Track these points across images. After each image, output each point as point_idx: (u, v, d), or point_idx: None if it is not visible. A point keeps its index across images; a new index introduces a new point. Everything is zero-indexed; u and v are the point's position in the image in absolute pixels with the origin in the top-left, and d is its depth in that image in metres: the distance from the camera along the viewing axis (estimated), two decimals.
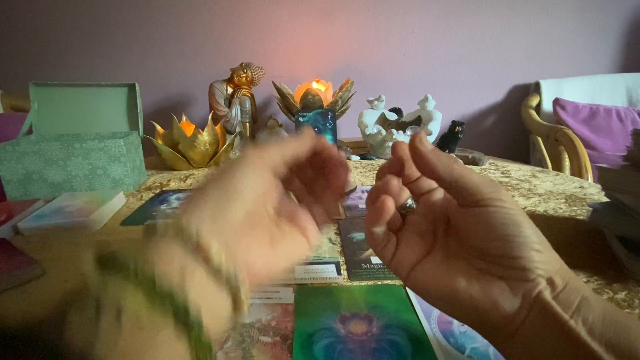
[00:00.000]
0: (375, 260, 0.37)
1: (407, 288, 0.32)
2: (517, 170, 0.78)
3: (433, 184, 0.24)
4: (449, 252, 0.22)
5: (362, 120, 0.95)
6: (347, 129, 1.31)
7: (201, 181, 0.20)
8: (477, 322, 0.20)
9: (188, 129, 0.81)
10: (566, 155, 1.03)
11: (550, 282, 0.19)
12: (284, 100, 1.03)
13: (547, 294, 0.18)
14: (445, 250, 0.22)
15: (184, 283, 0.15)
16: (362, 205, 0.55)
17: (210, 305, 0.16)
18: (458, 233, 0.22)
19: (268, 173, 0.21)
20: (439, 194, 0.24)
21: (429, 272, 0.21)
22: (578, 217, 0.49)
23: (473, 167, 0.83)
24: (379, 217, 0.22)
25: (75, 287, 0.15)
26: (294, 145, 0.23)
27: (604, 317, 0.17)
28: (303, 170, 0.25)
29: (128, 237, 0.45)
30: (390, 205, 0.22)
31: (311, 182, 0.26)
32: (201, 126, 0.82)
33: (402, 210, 0.24)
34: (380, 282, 0.33)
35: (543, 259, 0.19)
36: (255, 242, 0.19)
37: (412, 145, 0.22)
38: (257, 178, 0.20)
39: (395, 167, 0.24)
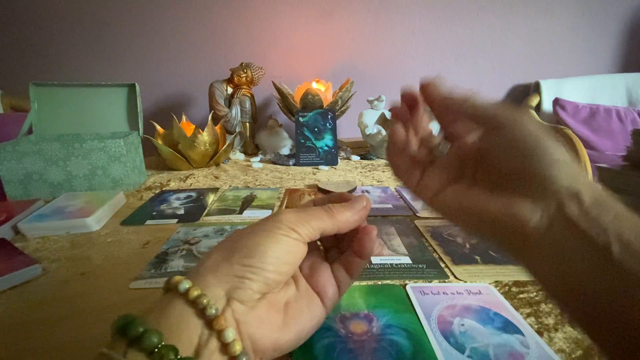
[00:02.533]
0: (376, 260, 0.37)
1: (407, 288, 0.32)
2: None
3: (463, 129, 0.24)
4: (476, 181, 0.22)
5: (362, 120, 0.95)
6: (347, 129, 1.31)
7: (231, 237, 0.20)
8: (497, 235, 0.20)
9: (188, 129, 0.81)
10: None
11: (575, 195, 0.18)
12: (284, 100, 1.03)
13: (573, 209, 0.17)
14: (472, 180, 0.22)
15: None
16: None
17: None
18: (485, 161, 0.21)
19: (299, 246, 0.21)
20: (472, 137, 0.23)
21: (452, 195, 0.22)
22: None
23: None
24: (394, 143, 0.25)
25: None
26: (332, 224, 0.22)
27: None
28: None
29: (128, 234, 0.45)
30: (400, 132, 0.25)
31: (341, 236, 0.25)
32: (201, 126, 0.82)
33: (433, 153, 0.25)
34: (380, 282, 0.33)
35: (564, 171, 0.18)
36: (267, 322, 0.19)
37: (426, 92, 0.24)
38: (286, 255, 0.20)
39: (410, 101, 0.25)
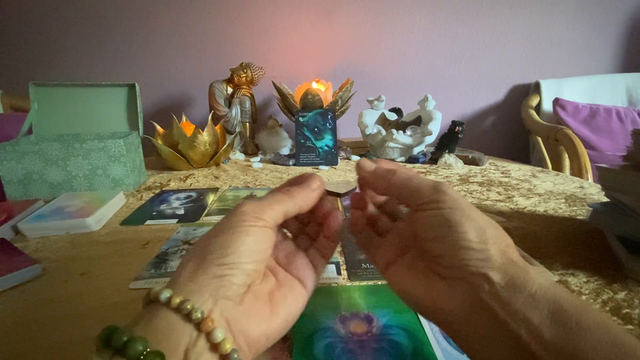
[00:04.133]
0: None
1: None
2: (517, 170, 0.78)
3: None
4: (418, 255, 0.22)
5: (362, 120, 0.95)
6: (347, 129, 1.31)
7: (200, 242, 0.20)
8: (431, 318, 0.21)
9: (188, 129, 0.81)
10: (566, 155, 1.03)
11: (486, 278, 0.18)
12: (284, 100, 1.03)
13: (485, 292, 0.18)
14: (416, 253, 0.23)
15: None
16: None
17: None
18: (417, 240, 0.22)
19: (267, 232, 0.21)
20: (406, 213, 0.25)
21: (397, 271, 0.23)
22: (578, 217, 0.49)
23: (473, 166, 0.83)
24: (351, 225, 0.27)
25: None
26: (294, 204, 0.23)
27: (553, 315, 0.16)
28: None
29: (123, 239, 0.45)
30: (356, 216, 0.28)
31: (306, 222, 0.27)
32: (201, 126, 0.82)
33: (392, 215, 0.27)
34: (380, 282, 0.33)
35: (475, 256, 0.18)
36: (255, 314, 0.19)
37: (357, 172, 0.26)
38: (258, 244, 0.20)
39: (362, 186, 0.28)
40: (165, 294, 0.17)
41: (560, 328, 0.16)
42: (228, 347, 0.17)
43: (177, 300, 0.17)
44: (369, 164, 0.25)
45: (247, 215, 0.20)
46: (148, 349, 0.15)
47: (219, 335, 0.17)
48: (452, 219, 0.19)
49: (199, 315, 0.17)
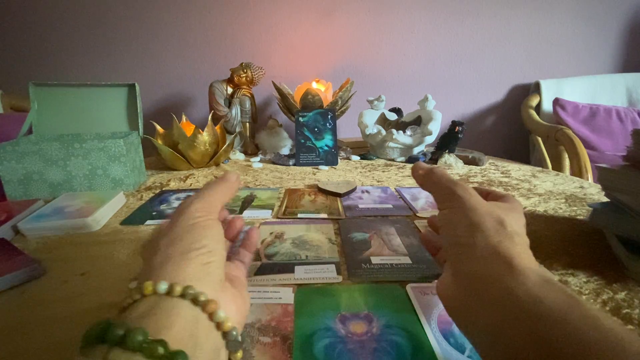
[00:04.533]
0: (375, 260, 0.37)
1: (407, 288, 0.32)
2: (517, 170, 0.78)
3: None
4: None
5: (362, 120, 0.95)
6: (347, 129, 1.31)
7: (164, 240, 0.21)
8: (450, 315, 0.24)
9: (188, 129, 0.81)
10: (566, 155, 1.03)
11: (468, 272, 0.22)
12: (284, 100, 1.03)
13: (468, 286, 0.22)
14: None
15: (196, 348, 0.16)
16: (362, 205, 0.55)
17: None
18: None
19: (219, 223, 0.24)
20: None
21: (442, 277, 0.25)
22: (578, 217, 0.49)
23: (473, 166, 0.83)
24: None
25: None
26: (225, 192, 0.26)
27: (532, 328, 0.17)
28: None
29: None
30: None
31: None
32: (201, 126, 0.82)
33: None
34: (380, 282, 0.33)
35: (461, 250, 0.22)
36: (232, 297, 0.21)
37: (412, 173, 0.29)
38: (220, 233, 0.23)
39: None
40: (163, 285, 0.18)
41: (542, 344, 0.16)
42: (229, 324, 0.18)
43: (178, 289, 0.18)
44: (422, 165, 0.29)
45: (200, 212, 0.23)
46: (149, 338, 0.15)
47: (221, 315, 0.18)
48: (452, 218, 0.23)
49: (203, 298, 0.18)
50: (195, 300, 0.18)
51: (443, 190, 0.25)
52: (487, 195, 0.27)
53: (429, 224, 0.33)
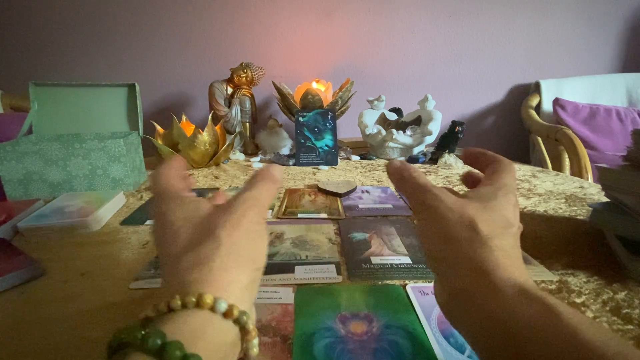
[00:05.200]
0: (375, 260, 0.37)
1: (407, 288, 0.32)
2: (517, 170, 0.78)
3: None
4: None
5: (362, 120, 0.95)
6: (347, 129, 1.31)
7: (231, 240, 0.19)
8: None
9: (188, 129, 0.81)
10: (566, 155, 1.03)
11: (442, 283, 0.22)
12: (284, 100, 1.03)
13: (443, 300, 0.22)
14: None
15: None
16: (362, 205, 0.55)
17: None
18: None
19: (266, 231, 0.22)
20: None
21: None
22: (578, 217, 0.49)
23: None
24: None
25: None
26: (273, 194, 0.24)
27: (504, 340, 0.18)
28: None
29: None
30: None
31: None
32: (201, 126, 0.82)
33: None
34: (380, 282, 0.33)
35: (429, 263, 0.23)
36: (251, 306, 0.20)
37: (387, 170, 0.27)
38: (264, 241, 0.21)
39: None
40: (222, 305, 0.16)
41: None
42: (256, 351, 0.18)
43: (236, 312, 0.17)
44: (394, 164, 0.26)
45: (258, 220, 0.21)
46: (186, 353, 0.14)
47: (254, 344, 0.18)
48: (425, 231, 0.22)
49: (251, 327, 0.17)
50: (242, 328, 0.17)
51: (415, 199, 0.23)
52: (484, 165, 0.25)
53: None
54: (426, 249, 0.23)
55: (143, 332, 0.14)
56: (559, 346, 0.15)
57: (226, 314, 0.16)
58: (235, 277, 0.18)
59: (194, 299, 0.16)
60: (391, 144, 0.90)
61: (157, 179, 0.23)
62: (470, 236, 0.20)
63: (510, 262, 0.19)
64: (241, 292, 0.18)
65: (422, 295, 0.31)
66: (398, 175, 0.25)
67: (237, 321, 0.17)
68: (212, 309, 0.16)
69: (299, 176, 0.75)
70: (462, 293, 0.20)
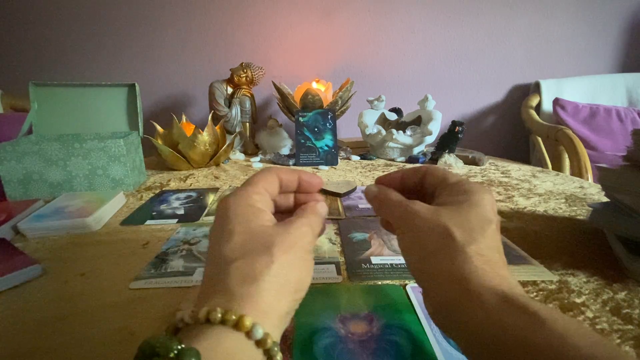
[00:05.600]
0: (376, 260, 0.37)
1: (407, 288, 0.32)
2: (517, 170, 0.78)
3: None
4: None
5: (362, 120, 0.95)
6: (347, 129, 1.31)
7: (281, 269, 0.19)
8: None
9: (188, 129, 0.81)
10: (566, 155, 1.03)
11: (425, 294, 0.23)
12: (284, 100, 1.03)
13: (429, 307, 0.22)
14: None
15: None
16: (362, 205, 0.55)
17: None
18: None
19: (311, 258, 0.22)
20: None
21: None
22: (578, 217, 0.49)
23: (473, 166, 0.83)
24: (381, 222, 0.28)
25: None
26: (322, 227, 0.24)
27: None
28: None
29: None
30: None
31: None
32: (201, 126, 0.82)
33: None
34: (380, 282, 0.33)
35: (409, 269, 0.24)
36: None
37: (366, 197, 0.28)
38: (310, 271, 0.21)
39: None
40: (259, 332, 0.16)
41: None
42: None
43: (270, 342, 0.16)
44: (371, 190, 0.27)
45: (311, 248, 0.22)
46: None
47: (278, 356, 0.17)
48: (405, 245, 0.23)
49: (278, 358, 0.17)
50: (267, 352, 0.16)
51: (393, 216, 0.23)
52: (445, 187, 0.24)
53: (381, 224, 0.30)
54: (408, 263, 0.23)
55: (179, 348, 0.14)
56: (547, 354, 0.15)
57: (259, 343, 0.16)
58: (277, 304, 0.18)
59: (234, 318, 0.16)
60: (391, 144, 0.90)
61: (247, 186, 0.23)
62: (446, 245, 0.20)
63: (490, 268, 0.19)
64: (278, 320, 0.18)
65: (422, 295, 0.31)
66: (376, 200, 0.25)
67: (267, 352, 0.16)
68: (249, 333, 0.16)
69: None
70: (447, 305, 0.19)
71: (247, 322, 0.16)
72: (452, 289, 0.19)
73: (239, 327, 0.16)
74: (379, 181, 0.28)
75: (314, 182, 0.26)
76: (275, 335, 0.17)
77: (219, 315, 0.16)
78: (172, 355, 0.13)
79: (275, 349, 0.16)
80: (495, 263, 0.19)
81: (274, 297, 0.18)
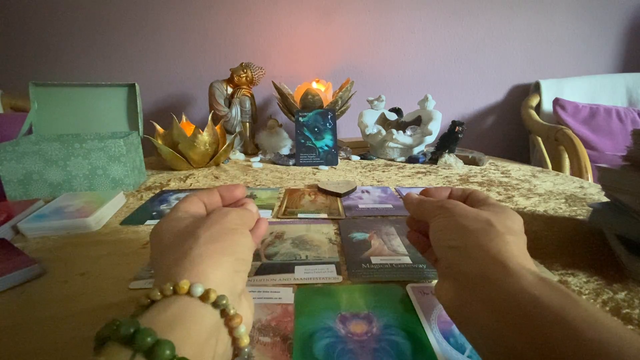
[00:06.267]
0: (375, 260, 0.37)
1: (407, 288, 0.32)
2: (517, 170, 0.78)
3: None
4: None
5: (362, 120, 0.95)
6: (347, 129, 1.31)
7: (211, 234, 0.21)
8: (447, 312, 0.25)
9: (188, 129, 0.81)
10: (566, 155, 1.03)
11: (462, 273, 0.23)
12: (284, 100, 1.03)
13: (463, 287, 0.23)
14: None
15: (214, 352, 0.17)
16: (362, 205, 0.55)
17: None
18: None
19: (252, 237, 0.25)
20: None
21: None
22: (578, 217, 0.49)
23: (473, 166, 0.83)
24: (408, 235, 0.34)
25: None
26: (252, 219, 0.27)
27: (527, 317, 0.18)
28: None
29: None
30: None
31: None
32: (201, 126, 0.82)
33: None
34: (380, 282, 0.33)
35: (453, 254, 0.24)
36: (247, 306, 0.22)
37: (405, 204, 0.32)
38: (252, 245, 0.24)
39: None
40: (199, 289, 0.17)
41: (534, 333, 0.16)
42: (246, 341, 0.18)
43: (213, 296, 0.17)
44: (413, 196, 0.31)
45: (238, 221, 0.24)
46: (175, 355, 0.14)
47: (241, 331, 0.18)
48: (442, 224, 0.25)
49: (232, 312, 0.18)
50: (223, 311, 0.17)
51: (433, 208, 0.27)
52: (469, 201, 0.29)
53: (408, 223, 0.34)
54: (442, 239, 0.24)
55: (117, 323, 0.14)
56: (584, 330, 0.15)
57: (203, 298, 0.17)
58: (215, 265, 0.19)
59: (171, 287, 0.17)
60: (391, 144, 0.90)
61: (177, 207, 0.25)
62: (486, 228, 0.22)
63: (524, 257, 0.21)
64: (221, 279, 0.19)
65: (422, 295, 0.31)
66: (417, 199, 0.29)
67: (215, 304, 0.17)
68: (189, 293, 0.17)
69: (299, 176, 0.75)
70: (479, 280, 0.20)
71: (184, 284, 0.17)
72: (486, 262, 0.20)
73: (177, 291, 0.17)
74: (426, 191, 0.32)
75: (235, 191, 0.28)
76: (226, 292, 0.18)
77: (158, 292, 0.17)
78: (113, 332, 0.14)
79: (224, 301, 0.17)
80: (526, 256, 0.22)
81: (209, 260, 0.19)
